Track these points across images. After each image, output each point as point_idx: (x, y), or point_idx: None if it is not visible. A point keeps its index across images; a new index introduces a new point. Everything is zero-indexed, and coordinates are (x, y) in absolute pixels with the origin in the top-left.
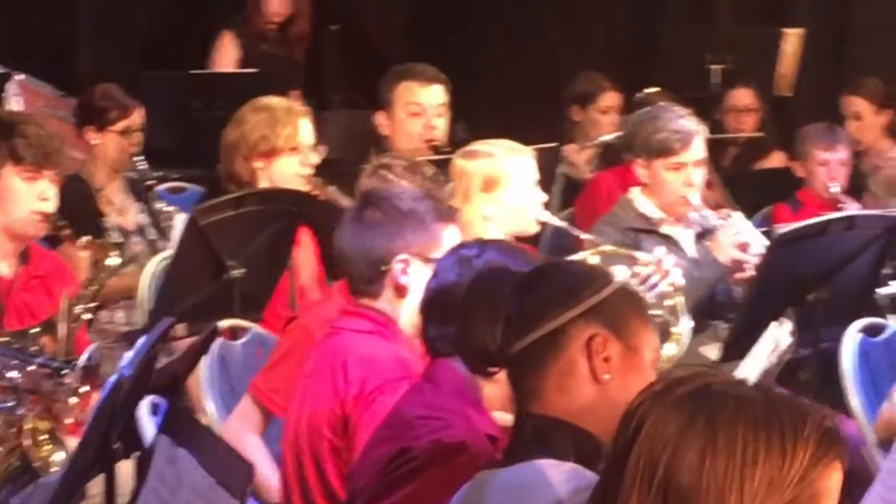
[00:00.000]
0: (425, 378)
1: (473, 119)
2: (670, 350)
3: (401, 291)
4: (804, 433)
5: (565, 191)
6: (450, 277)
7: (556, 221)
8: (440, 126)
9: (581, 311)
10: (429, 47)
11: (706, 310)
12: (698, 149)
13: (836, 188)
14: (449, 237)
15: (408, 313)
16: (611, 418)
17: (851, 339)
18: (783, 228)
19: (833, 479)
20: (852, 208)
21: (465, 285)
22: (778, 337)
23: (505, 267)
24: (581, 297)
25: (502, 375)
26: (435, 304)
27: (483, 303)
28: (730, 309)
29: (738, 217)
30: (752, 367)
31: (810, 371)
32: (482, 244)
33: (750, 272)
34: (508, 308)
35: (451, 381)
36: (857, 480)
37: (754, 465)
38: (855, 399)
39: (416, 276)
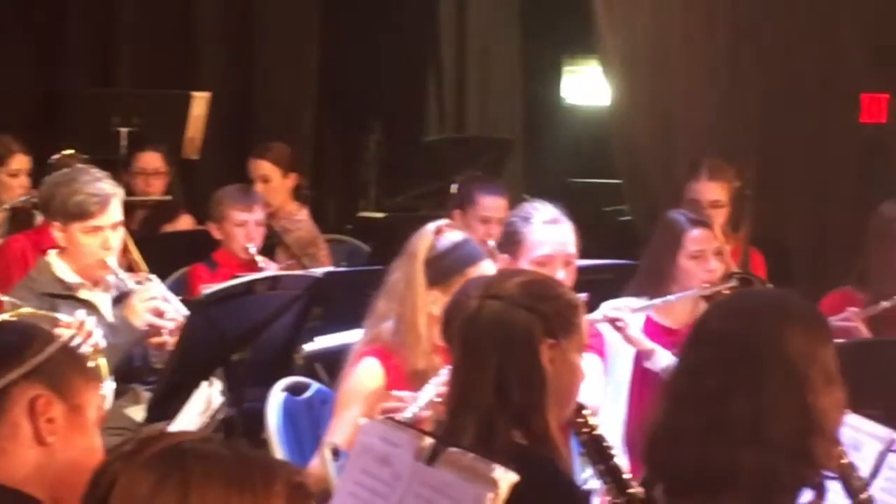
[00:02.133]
0: None
1: None
2: None
3: None
4: (275, 488)
5: None
6: None
7: None
8: None
9: (23, 372)
10: None
11: (124, 373)
12: (115, 212)
13: (252, 248)
14: None
15: None
16: (56, 481)
17: (276, 398)
18: (207, 289)
19: None
20: (271, 268)
21: None
22: (209, 396)
23: None
24: (22, 358)
25: None
26: None
27: None
28: (147, 373)
29: (154, 282)
30: (184, 427)
31: (236, 431)
32: None
33: (166, 337)
34: None
35: None
36: None
37: None
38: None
39: None
